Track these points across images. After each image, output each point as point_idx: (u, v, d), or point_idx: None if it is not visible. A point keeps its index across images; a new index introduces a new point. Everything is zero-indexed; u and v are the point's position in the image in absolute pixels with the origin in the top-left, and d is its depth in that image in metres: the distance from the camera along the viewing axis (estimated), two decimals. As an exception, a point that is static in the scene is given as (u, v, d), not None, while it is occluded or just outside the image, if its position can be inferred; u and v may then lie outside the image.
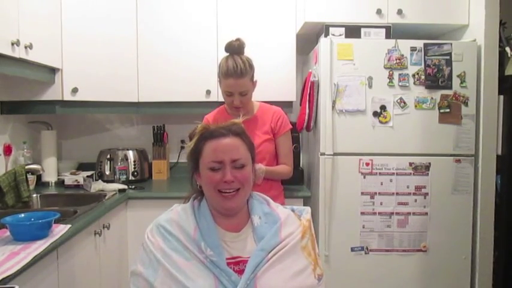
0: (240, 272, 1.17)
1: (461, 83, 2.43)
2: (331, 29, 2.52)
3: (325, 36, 2.51)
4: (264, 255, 1.18)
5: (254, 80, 2.02)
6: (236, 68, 1.91)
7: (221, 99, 2.74)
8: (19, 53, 1.93)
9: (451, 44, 2.43)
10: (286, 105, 2.77)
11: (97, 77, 2.58)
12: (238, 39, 1.97)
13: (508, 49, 2.49)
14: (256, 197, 1.35)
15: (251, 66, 1.97)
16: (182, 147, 3.16)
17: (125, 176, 2.87)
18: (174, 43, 2.77)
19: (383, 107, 2.41)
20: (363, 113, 2.42)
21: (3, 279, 1.25)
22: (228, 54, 1.99)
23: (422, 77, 2.42)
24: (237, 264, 1.19)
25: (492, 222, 2.46)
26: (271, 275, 1.15)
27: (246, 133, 1.30)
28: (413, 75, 2.42)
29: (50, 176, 2.79)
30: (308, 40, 2.90)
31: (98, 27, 2.58)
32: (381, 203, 2.42)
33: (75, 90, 2.47)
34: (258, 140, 2.02)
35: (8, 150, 2.48)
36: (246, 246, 1.22)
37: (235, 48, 1.96)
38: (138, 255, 1.24)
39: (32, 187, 2.49)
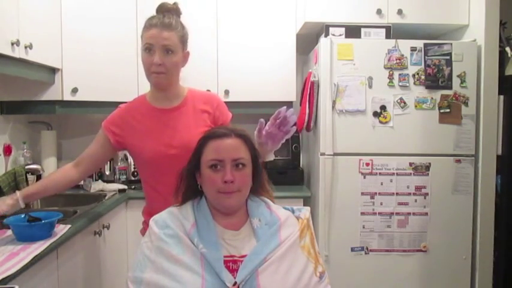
0: (238, 271, 1.16)
1: (462, 83, 2.43)
2: (331, 29, 2.52)
3: (325, 36, 2.51)
4: (262, 257, 1.17)
5: (186, 50, 1.64)
6: (163, 18, 1.55)
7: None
8: (19, 53, 1.93)
9: (451, 44, 2.43)
10: (286, 105, 2.76)
11: (97, 77, 2.58)
12: (174, 3, 1.64)
13: (508, 49, 2.49)
14: (255, 199, 1.34)
15: (184, 27, 1.62)
16: (182, 147, 3.15)
17: (124, 176, 2.86)
18: (174, 43, 2.77)
19: (383, 107, 2.41)
20: (363, 113, 2.42)
21: (3, 279, 1.25)
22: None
23: (423, 77, 2.42)
24: (235, 263, 1.19)
25: (492, 222, 2.46)
26: (270, 276, 1.15)
27: (249, 137, 1.31)
28: (414, 75, 2.42)
29: (50, 176, 2.79)
30: (308, 40, 2.90)
31: (98, 27, 2.58)
32: (381, 203, 2.42)
33: (75, 90, 2.47)
34: (194, 132, 1.52)
35: (7, 150, 2.47)
36: (246, 245, 1.22)
37: (168, 8, 1.61)
38: (132, 261, 1.27)
39: (32, 187, 2.49)
